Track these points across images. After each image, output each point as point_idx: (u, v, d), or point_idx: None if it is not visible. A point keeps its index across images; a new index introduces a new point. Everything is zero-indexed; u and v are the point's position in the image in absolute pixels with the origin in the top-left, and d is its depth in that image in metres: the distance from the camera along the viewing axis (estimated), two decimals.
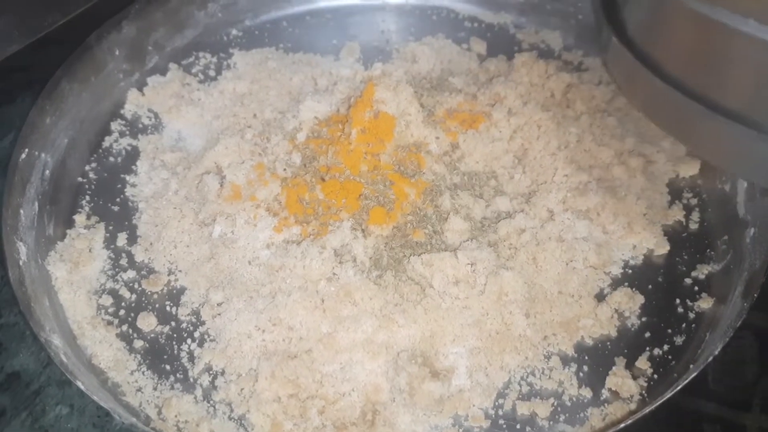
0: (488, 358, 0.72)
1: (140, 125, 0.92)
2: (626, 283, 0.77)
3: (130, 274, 0.79)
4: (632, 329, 0.75)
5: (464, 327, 0.73)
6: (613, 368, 0.72)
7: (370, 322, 0.72)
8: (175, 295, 0.77)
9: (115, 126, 0.92)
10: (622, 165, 0.84)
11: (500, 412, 0.69)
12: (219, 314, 0.75)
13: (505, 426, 0.69)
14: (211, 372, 0.72)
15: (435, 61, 0.97)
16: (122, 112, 0.93)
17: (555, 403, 0.70)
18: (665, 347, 0.73)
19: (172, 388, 0.71)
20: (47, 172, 0.84)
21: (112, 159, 0.89)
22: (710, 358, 0.66)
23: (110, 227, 0.83)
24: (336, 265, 0.76)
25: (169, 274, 0.78)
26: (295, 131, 0.88)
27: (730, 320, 0.70)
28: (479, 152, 0.86)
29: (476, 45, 1.00)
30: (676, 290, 0.77)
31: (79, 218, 0.83)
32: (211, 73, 0.98)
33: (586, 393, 0.70)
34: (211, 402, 0.70)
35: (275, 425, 0.67)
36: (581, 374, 0.72)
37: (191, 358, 0.73)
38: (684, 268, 0.79)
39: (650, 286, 0.78)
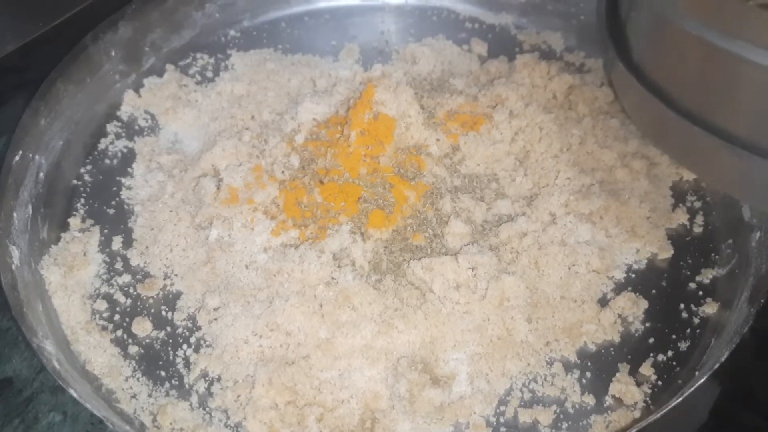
0: (489, 365, 0.71)
1: (136, 127, 0.91)
2: (630, 288, 0.76)
3: (125, 278, 0.78)
4: (636, 335, 0.74)
5: (465, 332, 0.72)
6: (617, 375, 0.71)
7: (370, 328, 0.71)
8: (171, 300, 0.76)
9: (111, 128, 0.91)
10: (625, 168, 0.83)
11: (502, 420, 0.68)
12: (215, 319, 0.74)
13: None
14: (207, 378, 0.71)
15: (435, 63, 0.96)
16: (118, 113, 0.92)
17: (557, 411, 0.69)
18: (669, 353, 0.72)
19: (168, 394, 0.70)
20: (41, 174, 0.83)
21: (107, 161, 0.88)
22: (716, 365, 0.65)
23: (105, 230, 0.82)
24: (335, 269, 0.75)
25: (164, 279, 0.77)
26: (294, 133, 0.86)
27: (736, 326, 0.70)
28: (480, 154, 0.85)
29: (477, 46, 0.99)
30: (681, 295, 0.76)
31: (74, 221, 0.82)
32: (209, 74, 0.97)
33: (589, 400, 0.69)
34: (207, 409, 0.69)
35: None
36: (584, 381, 0.71)
37: (187, 364, 0.72)
38: (688, 273, 0.78)
39: (654, 291, 0.76)
